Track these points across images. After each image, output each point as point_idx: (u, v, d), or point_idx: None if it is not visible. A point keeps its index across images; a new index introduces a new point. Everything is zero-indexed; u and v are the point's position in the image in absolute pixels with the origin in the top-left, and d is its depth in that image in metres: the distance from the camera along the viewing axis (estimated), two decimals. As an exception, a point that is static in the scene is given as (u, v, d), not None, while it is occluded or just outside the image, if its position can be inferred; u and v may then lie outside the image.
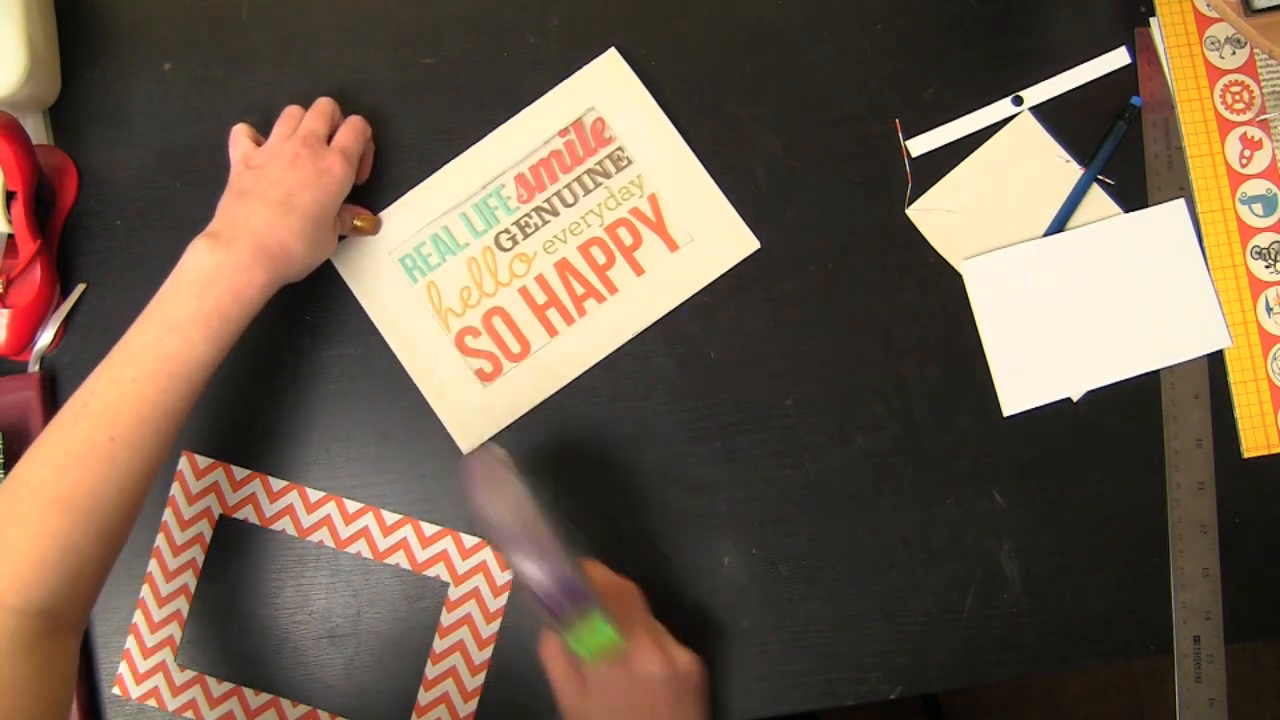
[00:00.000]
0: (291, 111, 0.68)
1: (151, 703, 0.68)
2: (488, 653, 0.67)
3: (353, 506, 0.69)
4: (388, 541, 0.68)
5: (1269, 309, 0.69)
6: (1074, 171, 0.70)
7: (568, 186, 0.70)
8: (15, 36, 0.66)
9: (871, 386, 0.69)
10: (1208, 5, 0.71)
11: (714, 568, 0.68)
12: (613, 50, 0.70)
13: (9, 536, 0.52)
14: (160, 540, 0.69)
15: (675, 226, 0.70)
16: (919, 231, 0.70)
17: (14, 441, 0.67)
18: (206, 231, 0.60)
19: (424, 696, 0.67)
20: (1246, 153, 0.70)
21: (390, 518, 0.69)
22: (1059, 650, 0.68)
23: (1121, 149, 0.70)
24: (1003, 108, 0.71)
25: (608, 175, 0.70)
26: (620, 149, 0.70)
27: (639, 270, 0.70)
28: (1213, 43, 0.71)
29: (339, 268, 0.70)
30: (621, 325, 0.69)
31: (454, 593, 0.68)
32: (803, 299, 0.70)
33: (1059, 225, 0.70)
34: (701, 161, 0.70)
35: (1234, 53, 0.71)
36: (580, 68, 0.71)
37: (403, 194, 0.70)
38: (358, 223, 0.68)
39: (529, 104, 0.71)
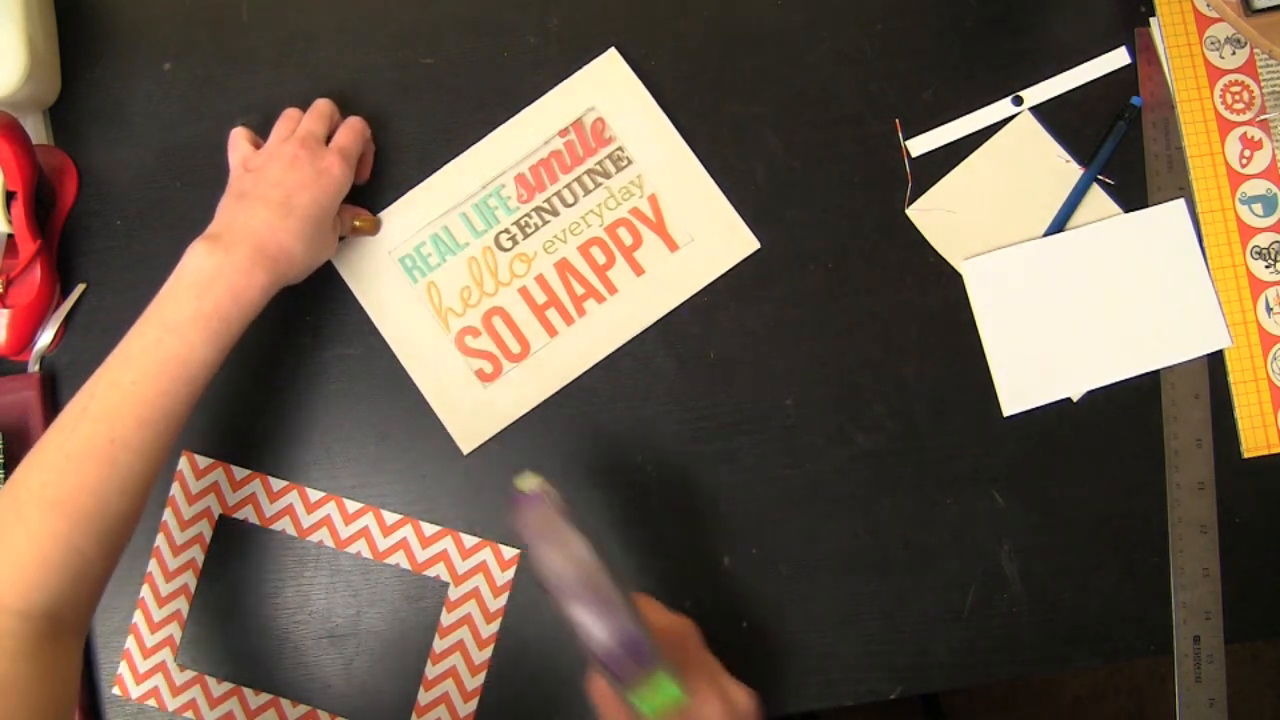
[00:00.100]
0: (290, 114, 0.68)
1: (151, 703, 0.68)
2: (488, 653, 0.67)
3: (353, 506, 0.69)
4: (388, 541, 0.68)
5: (1269, 309, 0.69)
6: (1074, 171, 0.70)
7: (568, 186, 0.70)
8: (15, 36, 0.66)
9: (871, 386, 0.69)
10: (1208, 5, 0.71)
11: (714, 568, 0.68)
12: (613, 50, 0.70)
13: (10, 539, 0.51)
14: (160, 540, 0.69)
15: (675, 226, 0.70)
16: (919, 231, 0.70)
17: (14, 441, 0.67)
18: (205, 234, 0.60)
19: (424, 696, 0.67)
20: (1246, 153, 0.70)
21: (390, 518, 0.69)
22: (1059, 650, 0.68)
23: (1121, 149, 0.70)
24: (1003, 108, 0.71)
25: (608, 175, 0.70)
26: (620, 149, 0.70)
27: (639, 270, 0.70)
28: (1213, 43, 0.71)
29: (339, 268, 0.70)
30: (621, 325, 0.69)
31: (454, 593, 0.68)
32: (803, 299, 0.70)
33: (1059, 225, 0.70)
34: (701, 161, 0.70)
35: (1234, 53, 0.71)
36: (580, 68, 0.71)
37: (403, 194, 0.70)
38: (357, 223, 0.68)
39: (529, 104, 0.71)
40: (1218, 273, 0.69)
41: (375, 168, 0.71)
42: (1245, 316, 0.69)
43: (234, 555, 0.69)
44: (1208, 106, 0.70)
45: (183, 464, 0.69)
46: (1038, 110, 0.71)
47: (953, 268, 0.70)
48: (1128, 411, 0.69)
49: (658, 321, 0.70)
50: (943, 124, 0.71)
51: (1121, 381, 0.69)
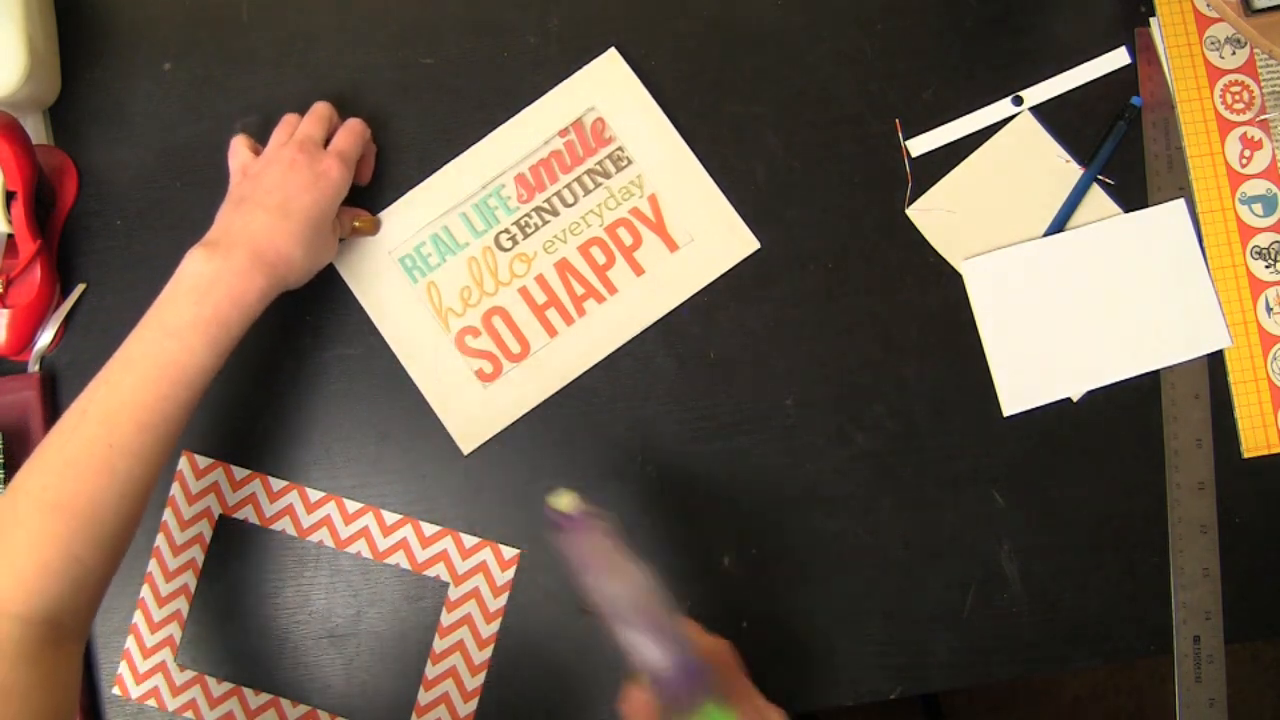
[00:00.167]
0: (288, 119, 0.68)
1: (151, 703, 0.68)
2: (488, 653, 0.67)
3: (353, 506, 0.69)
4: (388, 541, 0.68)
5: (1269, 309, 0.69)
6: (1074, 171, 0.70)
7: (568, 186, 0.70)
8: (15, 36, 0.66)
9: (871, 386, 0.69)
10: (1208, 5, 0.71)
11: (714, 568, 0.68)
12: (613, 50, 0.70)
13: (11, 544, 0.51)
14: (160, 540, 0.69)
15: (675, 226, 0.70)
16: (919, 231, 0.70)
17: (14, 441, 0.67)
18: (204, 240, 0.60)
19: (424, 696, 0.67)
20: (1246, 153, 0.70)
21: (390, 518, 0.69)
22: (1059, 650, 0.68)
23: (1121, 149, 0.70)
24: (1003, 108, 0.71)
25: (608, 175, 0.70)
26: (620, 149, 0.70)
27: (639, 270, 0.70)
28: (1213, 43, 0.71)
29: (339, 268, 0.70)
30: (621, 325, 0.69)
31: (454, 593, 0.68)
32: (803, 299, 0.70)
33: (1059, 225, 0.70)
34: (701, 161, 0.70)
35: (1234, 53, 0.71)
36: (580, 68, 0.71)
37: (403, 194, 0.70)
38: (357, 224, 0.68)
39: (529, 104, 0.71)
40: (1218, 273, 0.69)
41: (375, 168, 0.71)
42: (1245, 316, 0.69)
43: (234, 555, 0.69)
44: (1208, 106, 0.70)
45: (183, 464, 0.69)
46: (1038, 110, 0.71)
47: (953, 268, 0.70)
48: (1128, 411, 0.69)
49: (658, 321, 0.70)
50: (943, 124, 0.71)
51: (1121, 381, 0.69)
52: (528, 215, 0.70)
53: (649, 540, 0.68)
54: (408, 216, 0.70)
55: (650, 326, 0.69)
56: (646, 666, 0.49)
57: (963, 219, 0.70)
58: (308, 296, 0.69)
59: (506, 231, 0.70)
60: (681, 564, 0.68)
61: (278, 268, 0.60)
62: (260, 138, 0.68)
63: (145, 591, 0.68)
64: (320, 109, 0.68)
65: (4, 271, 0.68)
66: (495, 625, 0.68)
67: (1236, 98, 0.70)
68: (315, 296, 0.70)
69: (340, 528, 0.69)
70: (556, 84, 0.71)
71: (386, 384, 0.69)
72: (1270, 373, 0.69)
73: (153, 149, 0.72)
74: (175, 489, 0.69)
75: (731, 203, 0.70)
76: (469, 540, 0.68)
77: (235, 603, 0.69)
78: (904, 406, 0.69)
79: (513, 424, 0.69)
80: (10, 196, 0.66)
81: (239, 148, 0.66)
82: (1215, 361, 0.69)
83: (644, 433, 0.69)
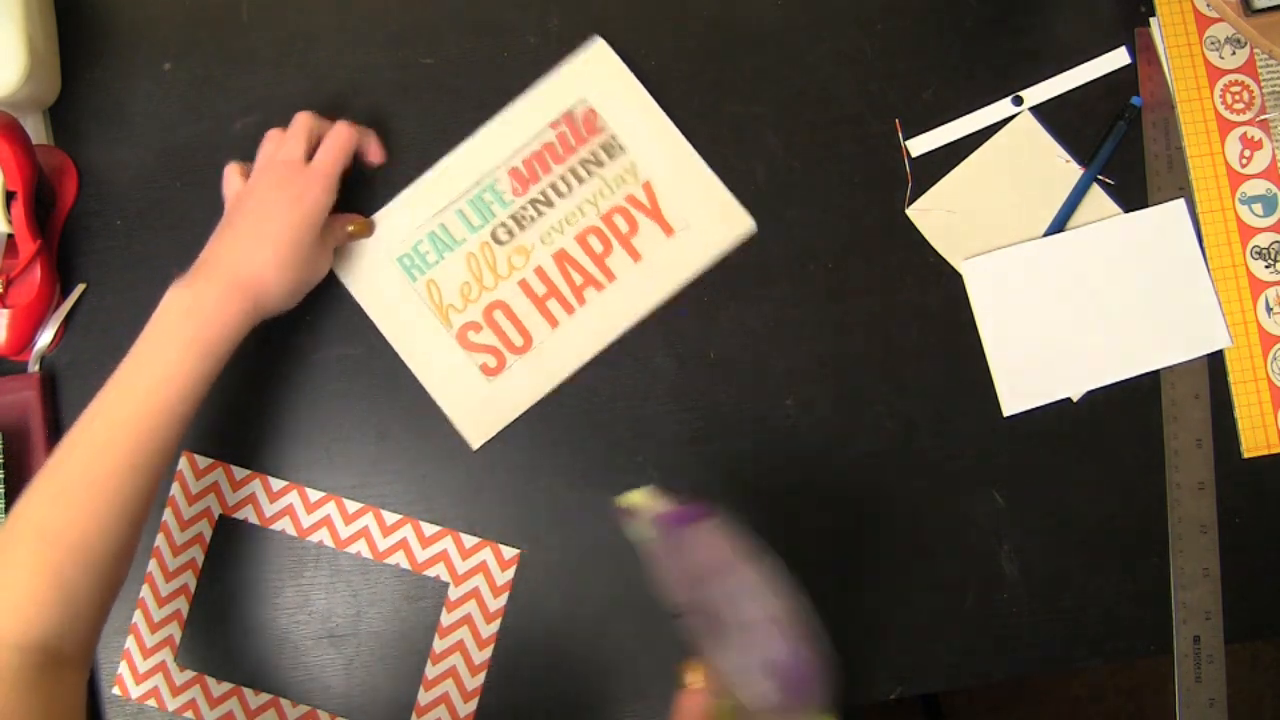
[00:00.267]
0: (271, 135, 0.67)
1: (151, 703, 0.68)
2: (488, 653, 0.67)
3: (353, 506, 0.69)
4: (388, 541, 0.68)
5: (1269, 309, 0.69)
6: (1074, 171, 0.70)
7: (561, 177, 0.70)
8: (15, 36, 0.66)
9: (871, 386, 0.69)
10: (1208, 5, 0.71)
11: (714, 568, 0.68)
12: (600, 40, 0.70)
13: (6, 575, 0.52)
14: (160, 540, 0.69)
15: (670, 211, 0.70)
16: (919, 231, 0.70)
17: (14, 441, 0.67)
18: (190, 270, 0.61)
19: (424, 696, 0.67)
20: (1246, 153, 0.70)
21: (390, 518, 0.69)
22: (1059, 650, 0.68)
23: (1121, 149, 0.70)
24: (1003, 108, 0.71)
25: (601, 164, 0.70)
26: (612, 137, 0.70)
27: (637, 256, 0.70)
28: (1213, 43, 0.71)
29: (338, 271, 0.70)
30: (622, 312, 0.69)
31: (454, 593, 0.68)
32: (803, 299, 0.70)
33: (1059, 225, 0.70)
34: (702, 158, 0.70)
35: (1234, 53, 0.71)
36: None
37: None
38: (351, 229, 0.68)
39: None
40: (1218, 273, 0.69)
41: (375, 169, 0.70)
42: (1245, 316, 0.69)
43: (234, 555, 0.69)
44: (1208, 106, 0.70)
45: (183, 464, 0.69)
46: (1038, 110, 0.71)
47: (953, 268, 0.70)
48: (1128, 411, 0.69)
49: (658, 321, 0.69)
50: (943, 124, 0.71)
51: (1121, 381, 0.69)
52: (523, 208, 0.70)
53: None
54: (404, 216, 0.70)
55: (651, 325, 0.69)
56: (778, 670, 0.47)
57: (963, 219, 0.70)
58: (308, 298, 0.69)
59: (503, 225, 0.70)
60: (681, 564, 0.68)
61: (256, 293, 0.61)
62: (260, 137, 0.68)
63: (145, 591, 0.68)
64: (301, 121, 0.66)
65: (4, 271, 0.68)
66: (495, 625, 0.68)
67: (1236, 98, 0.70)
68: (314, 297, 0.69)
69: (340, 528, 0.69)
70: (556, 83, 0.71)
71: (386, 384, 0.69)
72: (1270, 373, 0.69)
73: (153, 149, 0.72)
74: (175, 489, 0.69)
75: (731, 202, 0.70)
76: (469, 540, 0.68)
77: (235, 603, 0.69)
78: (904, 406, 0.69)
79: (513, 423, 0.69)
80: (10, 196, 0.66)
81: (232, 175, 0.66)
82: (1215, 361, 0.69)
83: (644, 433, 0.69)
